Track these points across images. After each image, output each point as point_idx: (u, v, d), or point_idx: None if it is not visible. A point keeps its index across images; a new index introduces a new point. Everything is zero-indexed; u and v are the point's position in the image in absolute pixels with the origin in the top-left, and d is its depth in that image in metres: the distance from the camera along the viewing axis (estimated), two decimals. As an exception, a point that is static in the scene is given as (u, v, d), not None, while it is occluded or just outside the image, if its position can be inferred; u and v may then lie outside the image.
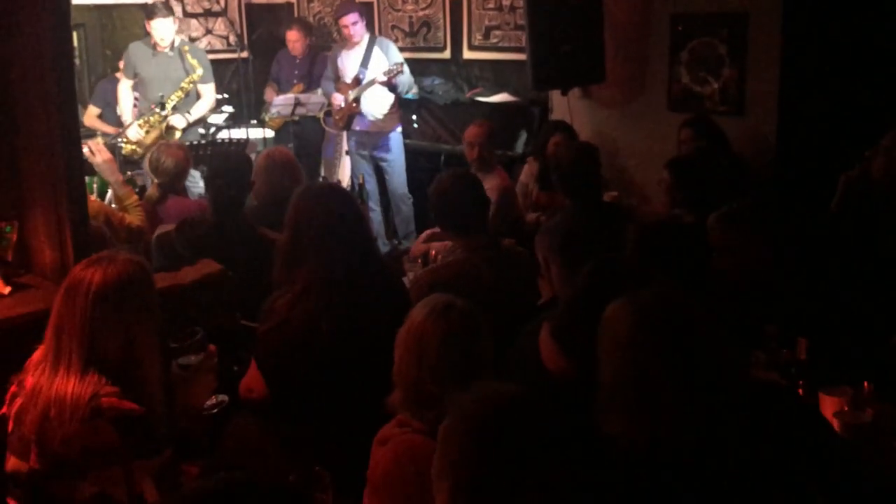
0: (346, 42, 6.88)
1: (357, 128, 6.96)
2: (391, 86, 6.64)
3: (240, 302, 3.54)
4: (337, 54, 7.02)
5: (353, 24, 6.71)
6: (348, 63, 6.91)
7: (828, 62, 5.06)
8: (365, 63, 6.82)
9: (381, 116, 6.88)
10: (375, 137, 6.94)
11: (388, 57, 6.80)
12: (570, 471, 1.75)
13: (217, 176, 4.09)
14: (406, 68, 6.67)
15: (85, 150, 5.30)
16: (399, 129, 6.99)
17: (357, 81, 6.82)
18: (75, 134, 2.96)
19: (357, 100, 6.82)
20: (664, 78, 5.81)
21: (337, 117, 7.02)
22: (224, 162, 4.27)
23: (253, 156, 6.54)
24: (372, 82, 6.67)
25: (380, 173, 7.10)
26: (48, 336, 2.40)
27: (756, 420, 1.96)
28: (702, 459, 1.91)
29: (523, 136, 6.68)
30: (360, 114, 6.88)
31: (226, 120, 7.66)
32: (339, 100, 6.93)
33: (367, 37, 6.86)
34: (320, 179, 7.12)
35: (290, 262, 2.98)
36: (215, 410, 2.82)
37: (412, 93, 7.02)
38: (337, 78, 7.00)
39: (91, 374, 2.33)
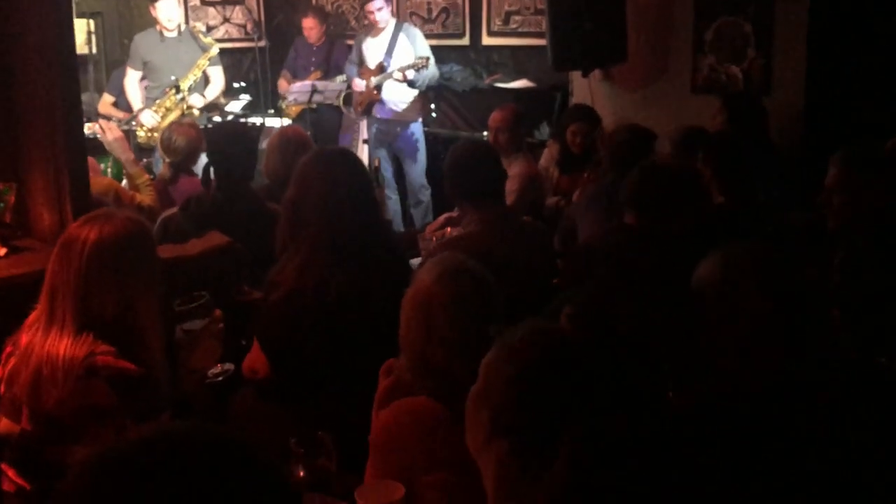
0: (372, 28, 6.75)
1: (378, 115, 6.83)
2: (409, 81, 6.50)
3: (248, 277, 3.45)
4: (362, 39, 6.90)
5: (378, 11, 6.59)
6: (372, 49, 6.78)
7: (856, 40, 4.92)
8: (390, 51, 6.68)
9: (402, 107, 6.75)
10: (395, 126, 6.81)
11: (414, 47, 6.64)
12: (613, 419, 1.62)
13: (218, 149, 3.96)
14: (432, 62, 6.52)
15: (96, 128, 5.23)
16: (420, 120, 6.85)
17: (381, 68, 6.68)
18: (76, 94, 2.87)
19: (378, 87, 6.69)
20: (688, 59, 5.67)
21: (356, 102, 6.91)
22: (223, 133, 4.12)
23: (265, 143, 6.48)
24: (391, 74, 6.54)
25: (398, 162, 6.99)
26: (43, 295, 2.31)
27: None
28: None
29: (545, 124, 6.56)
30: (381, 102, 6.75)
31: (243, 108, 7.60)
32: (360, 85, 6.82)
33: (392, 23, 6.73)
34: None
35: (293, 225, 2.86)
36: (220, 379, 2.72)
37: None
38: (361, 63, 6.88)
39: (86, 334, 2.24)
